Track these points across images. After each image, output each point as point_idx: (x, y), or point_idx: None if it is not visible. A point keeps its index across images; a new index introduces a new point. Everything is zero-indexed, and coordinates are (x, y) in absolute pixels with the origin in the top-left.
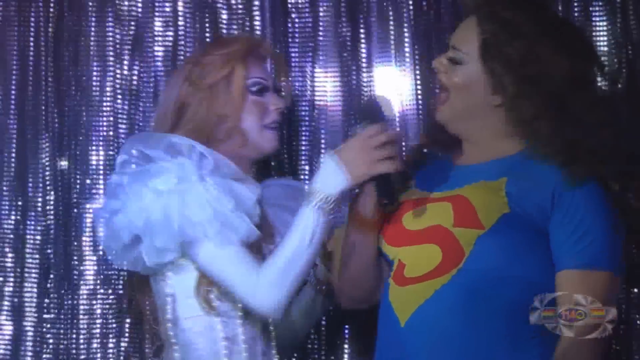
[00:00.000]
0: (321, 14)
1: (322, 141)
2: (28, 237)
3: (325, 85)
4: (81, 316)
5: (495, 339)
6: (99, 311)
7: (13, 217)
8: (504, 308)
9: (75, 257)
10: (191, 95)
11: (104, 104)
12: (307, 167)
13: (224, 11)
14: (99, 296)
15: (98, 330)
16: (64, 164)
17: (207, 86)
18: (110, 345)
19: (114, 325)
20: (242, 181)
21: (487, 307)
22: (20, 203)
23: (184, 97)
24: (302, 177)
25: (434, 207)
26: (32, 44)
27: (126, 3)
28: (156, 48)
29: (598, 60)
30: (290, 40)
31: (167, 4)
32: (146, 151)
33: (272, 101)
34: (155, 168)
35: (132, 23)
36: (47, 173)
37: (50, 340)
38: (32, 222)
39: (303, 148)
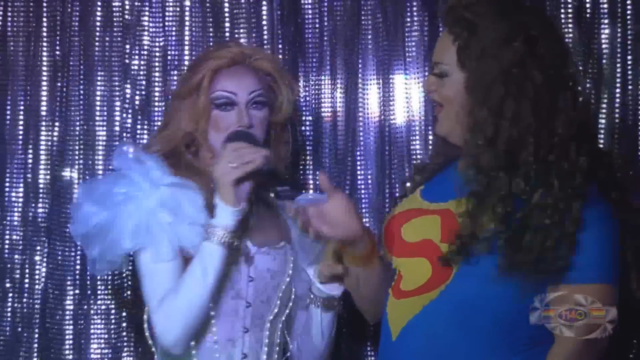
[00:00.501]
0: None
1: (326, 151)
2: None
3: (335, 95)
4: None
5: (484, 354)
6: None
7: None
8: (493, 324)
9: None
10: (168, 106)
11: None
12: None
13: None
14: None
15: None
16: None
17: (177, 97)
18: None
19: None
20: (186, 188)
21: (475, 323)
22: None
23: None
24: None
25: (426, 219)
26: (44, 54)
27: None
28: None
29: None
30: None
31: (174, 24)
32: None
33: (237, 118)
34: (104, 181)
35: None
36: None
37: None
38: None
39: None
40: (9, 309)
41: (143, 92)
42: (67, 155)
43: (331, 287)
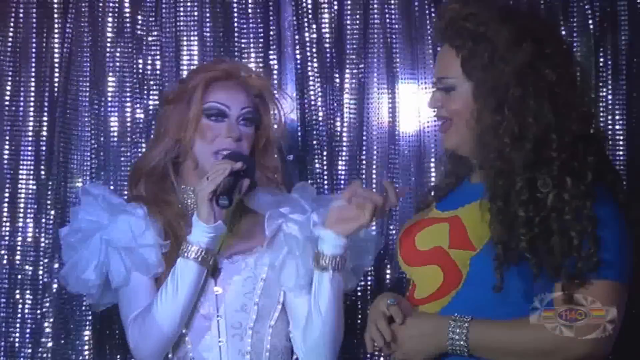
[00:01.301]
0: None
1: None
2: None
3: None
4: None
5: None
6: None
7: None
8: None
9: None
10: (159, 114)
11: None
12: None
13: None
14: None
15: None
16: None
17: (167, 104)
18: None
19: None
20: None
21: None
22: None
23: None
24: None
25: (437, 227)
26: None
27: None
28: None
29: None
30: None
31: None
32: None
33: (228, 129)
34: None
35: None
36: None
37: None
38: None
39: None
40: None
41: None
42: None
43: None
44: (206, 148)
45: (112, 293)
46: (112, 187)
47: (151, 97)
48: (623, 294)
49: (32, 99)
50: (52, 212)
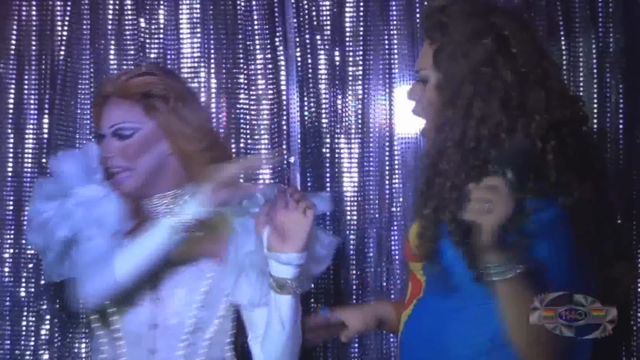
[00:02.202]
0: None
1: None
2: None
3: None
4: None
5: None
6: None
7: None
8: (469, 327)
9: None
10: None
11: None
12: None
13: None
14: None
15: None
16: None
17: None
18: None
19: None
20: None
21: (452, 333)
22: None
23: None
24: None
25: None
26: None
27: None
28: None
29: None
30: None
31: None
32: None
33: (103, 148)
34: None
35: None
36: None
37: None
38: None
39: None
40: None
41: None
42: None
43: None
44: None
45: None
46: None
47: None
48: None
49: (33, 99)
50: None
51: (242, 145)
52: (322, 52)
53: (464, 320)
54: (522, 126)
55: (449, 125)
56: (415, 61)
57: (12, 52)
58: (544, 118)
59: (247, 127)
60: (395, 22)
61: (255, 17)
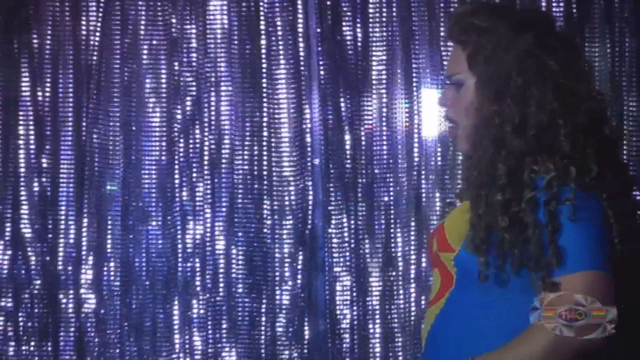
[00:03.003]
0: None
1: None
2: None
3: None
4: None
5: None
6: None
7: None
8: (496, 325)
9: None
10: None
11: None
12: None
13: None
14: None
15: None
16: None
17: None
18: None
19: None
20: None
21: (485, 322)
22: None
23: None
24: None
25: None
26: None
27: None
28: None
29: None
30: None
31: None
32: None
33: None
34: None
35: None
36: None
37: None
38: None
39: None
40: None
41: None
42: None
43: None
44: None
45: None
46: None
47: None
48: (606, 283)
49: (71, 102)
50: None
51: (264, 145)
52: (342, 56)
53: (500, 313)
54: (572, 114)
55: (502, 116)
56: (433, 65)
57: (48, 55)
58: (589, 107)
59: (272, 128)
60: (416, 29)
61: (278, 23)
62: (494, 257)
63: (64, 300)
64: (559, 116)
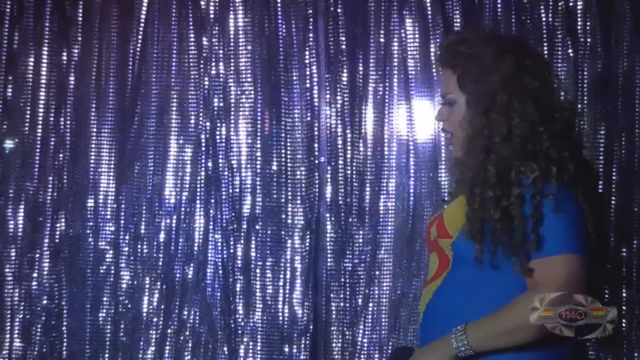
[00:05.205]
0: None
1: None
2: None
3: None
4: None
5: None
6: None
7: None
8: (493, 295)
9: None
10: None
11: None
12: None
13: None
14: None
15: None
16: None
17: None
18: None
19: None
20: None
21: (478, 297)
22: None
23: None
24: None
25: (436, 221)
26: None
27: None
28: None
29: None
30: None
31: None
32: None
33: None
34: None
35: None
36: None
37: None
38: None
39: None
40: None
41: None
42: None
43: None
44: None
45: None
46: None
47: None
48: (583, 265)
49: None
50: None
51: (282, 147)
52: (346, 71)
53: (490, 290)
54: (550, 123)
55: (490, 128)
56: (427, 79)
57: (95, 61)
58: (563, 116)
59: (286, 132)
60: (412, 49)
61: (294, 41)
62: (488, 243)
63: None
64: (539, 125)
